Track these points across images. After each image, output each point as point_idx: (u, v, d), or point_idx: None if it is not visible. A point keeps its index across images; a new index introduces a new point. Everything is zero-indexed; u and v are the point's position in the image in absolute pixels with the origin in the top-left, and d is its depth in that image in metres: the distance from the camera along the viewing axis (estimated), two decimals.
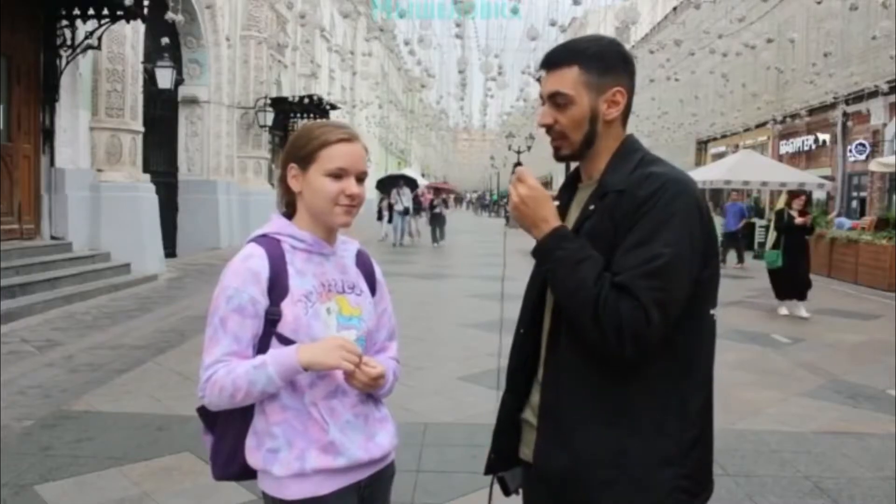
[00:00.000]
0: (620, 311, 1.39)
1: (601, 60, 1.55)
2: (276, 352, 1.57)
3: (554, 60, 1.58)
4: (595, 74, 1.54)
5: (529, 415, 1.66)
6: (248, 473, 1.68)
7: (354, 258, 1.79)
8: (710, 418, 1.57)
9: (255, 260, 1.61)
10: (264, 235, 1.68)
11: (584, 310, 1.43)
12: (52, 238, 10.51)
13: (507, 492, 1.79)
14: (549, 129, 1.59)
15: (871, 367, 6.79)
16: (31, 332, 7.24)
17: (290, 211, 1.72)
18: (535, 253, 1.54)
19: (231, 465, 1.69)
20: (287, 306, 1.60)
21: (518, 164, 1.58)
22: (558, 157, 1.63)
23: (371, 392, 1.68)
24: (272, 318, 1.60)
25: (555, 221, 1.53)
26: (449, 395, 5.43)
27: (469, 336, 7.45)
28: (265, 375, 1.54)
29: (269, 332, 1.60)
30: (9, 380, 5.44)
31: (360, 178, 1.67)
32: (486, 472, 1.76)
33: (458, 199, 62.35)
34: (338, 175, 1.62)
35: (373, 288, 1.79)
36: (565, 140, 1.58)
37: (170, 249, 13.74)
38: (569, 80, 1.54)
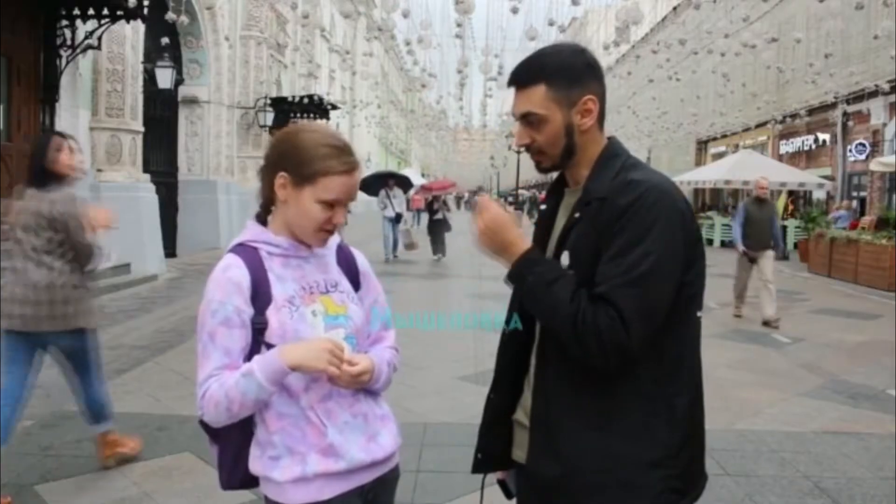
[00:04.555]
0: (599, 325, 1.40)
1: (566, 73, 1.54)
2: (261, 357, 1.55)
3: (519, 79, 1.57)
4: (563, 88, 1.53)
5: (521, 416, 1.66)
6: (253, 481, 1.68)
7: (335, 255, 1.75)
8: (699, 418, 1.57)
9: (234, 270, 1.60)
10: (241, 244, 1.65)
11: (563, 328, 1.44)
12: None
13: (508, 495, 1.79)
14: (528, 147, 1.59)
15: (871, 367, 6.79)
16: None
17: (264, 210, 1.70)
18: (508, 278, 1.54)
19: (235, 473, 1.68)
20: (272, 314, 1.58)
21: (479, 189, 1.57)
22: (540, 170, 1.63)
23: (364, 387, 1.65)
24: (259, 327, 1.58)
25: (522, 245, 1.53)
26: (449, 395, 5.43)
27: (469, 336, 7.45)
28: (255, 383, 1.52)
29: (258, 342, 1.59)
30: None
31: (347, 203, 1.66)
32: (474, 471, 1.77)
33: (458, 199, 61.26)
34: (330, 205, 1.60)
35: (357, 282, 1.76)
36: (544, 155, 1.59)
37: (170, 249, 13.74)
38: (537, 99, 1.54)
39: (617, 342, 1.40)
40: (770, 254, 9.03)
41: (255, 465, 1.64)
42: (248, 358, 1.58)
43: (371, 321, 1.77)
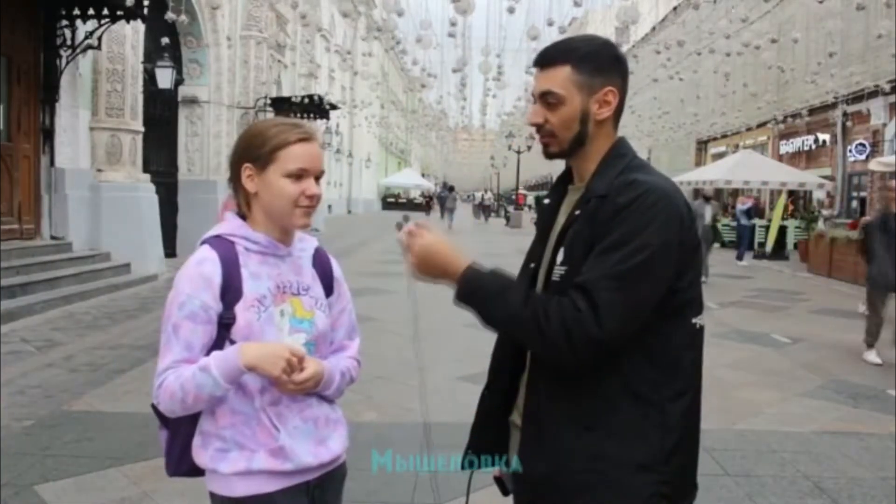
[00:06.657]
0: (565, 318, 1.38)
1: (594, 60, 1.54)
2: (219, 353, 1.54)
3: (546, 59, 1.57)
4: (587, 74, 1.53)
5: (516, 417, 1.65)
6: (200, 471, 1.69)
7: (311, 258, 1.75)
8: (693, 425, 1.55)
9: (207, 265, 1.59)
10: (218, 237, 1.65)
11: (526, 332, 1.43)
12: (52, 238, 10.50)
13: (505, 492, 1.79)
14: (540, 127, 1.58)
15: (871, 367, 6.79)
16: (31, 332, 7.24)
17: (242, 210, 1.69)
18: (457, 298, 1.52)
19: (183, 462, 1.70)
20: (240, 311, 1.57)
21: (404, 220, 1.59)
22: (547, 154, 1.61)
23: (314, 393, 1.65)
24: (226, 323, 1.58)
25: (461, 264, 1.52)
26: (449, 395, 5.42)
27: (469, 336, 7.44)
28: (210, 378, 1.52)
29: (223, 337, 1.58)
30: (9, 380, 5.44)
31: (318, 177, 1.64)
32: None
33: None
34: (298, 176, 1.59)
35: (330, 287, 1.76)
36: (554, 139, 1.57)
37: (170, 249, 13.73)
38: (560, 79, 1.53)
39: (586, 334, 1.37)
40: None
41: (201, 456, 1.65)
42: (211, 352, 1.57)
43: (336, 328, 1.76)
